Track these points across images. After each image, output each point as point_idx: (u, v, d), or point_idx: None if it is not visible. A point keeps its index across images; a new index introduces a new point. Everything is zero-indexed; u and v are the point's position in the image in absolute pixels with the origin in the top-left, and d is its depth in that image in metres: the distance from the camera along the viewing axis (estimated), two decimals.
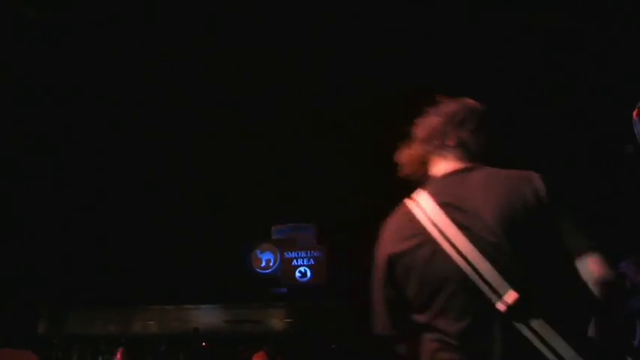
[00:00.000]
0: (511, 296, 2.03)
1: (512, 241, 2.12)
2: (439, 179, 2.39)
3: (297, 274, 15.35)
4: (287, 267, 15.52)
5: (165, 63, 11.30)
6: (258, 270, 15.68)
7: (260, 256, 15.73)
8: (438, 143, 2.34)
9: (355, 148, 12.59)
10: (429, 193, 2.33)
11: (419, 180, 2.38)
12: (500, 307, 2.07)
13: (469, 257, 2.20)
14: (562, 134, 11.43)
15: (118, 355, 3.69)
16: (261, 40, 10.89)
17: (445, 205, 2.28)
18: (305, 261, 15.39)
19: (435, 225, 2.31)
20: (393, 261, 2.31)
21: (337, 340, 13.85)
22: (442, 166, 2.39)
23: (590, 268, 2.05)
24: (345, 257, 14.03)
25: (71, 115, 11.96)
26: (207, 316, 15.20)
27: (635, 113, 2.32)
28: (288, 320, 15.89)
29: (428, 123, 2.41)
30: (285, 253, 15.59)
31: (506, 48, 10.67)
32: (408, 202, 2.37)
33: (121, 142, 12.98)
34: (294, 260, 15.47)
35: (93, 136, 12.60)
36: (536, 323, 2.02)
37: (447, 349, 2.22)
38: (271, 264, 15.65)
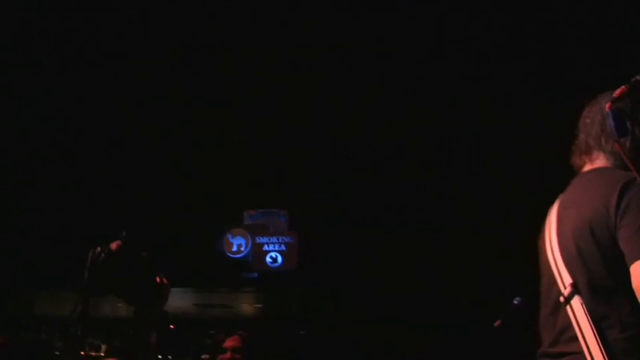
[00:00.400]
0: (567, 288, 2.33)
1: (580, 240, 2.38)
2: (572, 180, 2.71)
3: (268, 260, 15.36)
4: (258, 252, 15.54)
5: (144, 49, 11.27)
6: (229, 254, 15.67)
7: (231, 240, 15.73)
8: (580, 151, 2.68)
9: (328, 135, 12.59)
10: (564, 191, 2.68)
11: None
12: (561, 297, 2.34)
13: (553, 249, 2.50)
14: (534, 127, 11.46)
15: (114, 245, 3.62)
16: (245, 31, 10.88)
17: (561, 203, 2.62)
18: (276, 246, 15.40)
19: (549, 219, 2.63)
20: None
21: (306, 326, 13.90)
22: (584, 169, 2.68)
23: (634, 274, 2.21)
24: (316, 244, 14.07)
25: None
26: (176, 300, 15.19)
27: (607, 106, 2.34)
28: (258, 305, 15.91)
29: (579, 131, 2.70)
30: (257, 238, 15.61)
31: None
32: None
33: (93, 124, 12.93)
34: (266, 245, 15.48)
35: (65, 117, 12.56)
36: (579, 315, 2.29)
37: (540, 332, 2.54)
38: (242, 249, 15.65)
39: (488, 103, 11.23)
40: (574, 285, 2.31)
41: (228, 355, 5.74)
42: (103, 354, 14.83)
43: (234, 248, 15.71)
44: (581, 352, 2.27)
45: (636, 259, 2.22)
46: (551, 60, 10.44)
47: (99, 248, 3.48)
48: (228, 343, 5.83)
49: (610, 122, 2.35)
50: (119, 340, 14.69)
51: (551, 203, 2.71)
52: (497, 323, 8.78)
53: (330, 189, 13.27)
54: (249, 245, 15.61)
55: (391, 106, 11.66)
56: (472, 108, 11.33)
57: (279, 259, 15.27)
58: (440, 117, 11.69)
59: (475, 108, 11.30)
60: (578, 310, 2.28)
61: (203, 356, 13.29)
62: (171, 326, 14.75)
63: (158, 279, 3.72)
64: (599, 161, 2.63)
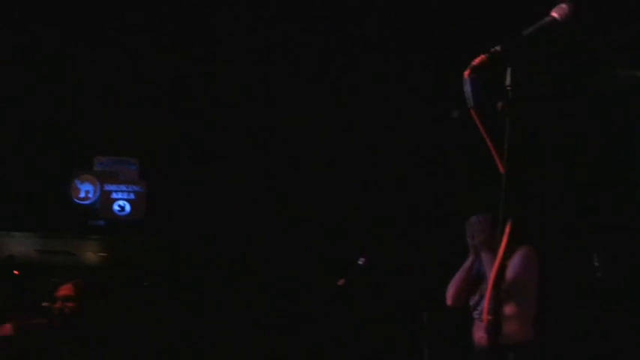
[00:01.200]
0: None
1: None
2: None
3: (116, 208, 15.12)
4: (106, 200, 15.27)
5: None
6: (76, 200, 15.35)
7: (79, 186, 15.39)
8: None
9: (183, 86, 12.44)
10: None
11: None
12: None
13: None
14: (380, 100, 11.57)
15: None
16: None
17: None
18: (125, 195, 15.17)
19: None
20: None
21: (151, 276, 13.78)
22: None
23: None
24: (166, 194, 13.93)
25: None
26: (19, 245, 14.81)
27: (466, 73, 2.41)
28: (103, 254, 15.66)
29: None
30: (106, 186, 15.33)
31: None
32: None
33: None
34: (114, 193, 15.23)
35: None
36: None
37: None
38: (90, 195, 15.35)
39: None
40: None
41: (59, 304, 5.67)
42: None
43: (82, 194, 15.39)
44: None
45: None
46: None
47: None
48: (60, 292, 5.74)
49: (467, 89, 2.41)
50: None
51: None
52: (340, 282, 8.90)
53: (183, 139, 13.14)
54: (98, 192, 15.32)
55: (243, 52, 11.58)
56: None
57: (127, 207, 15.07)
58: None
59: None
60: None
61: (43, 304, 12.97)
62: (16, 272, 14.46)
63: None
64: None
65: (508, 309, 6.49)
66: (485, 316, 2.55)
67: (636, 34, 9.08)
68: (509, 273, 6.46)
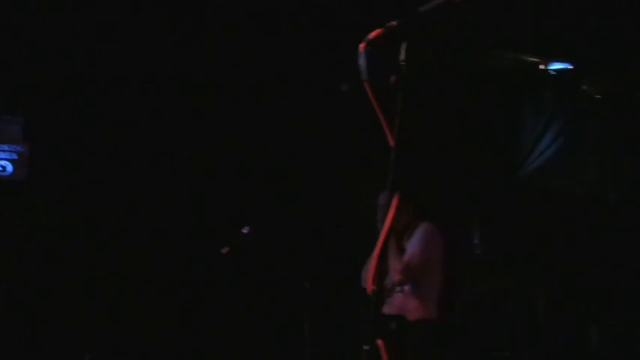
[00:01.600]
0: None
1: None
2: None
3: None
4: None
5: None
6: None
7: None
8: None
9: (71, 42, 12.18)
10: None
11: None
12: None
13: None
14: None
15: None
16: None
17: None
18: (7, 155, 14.79)
19: None
20: None
21: (30, 240, 13.53)
22: None
23: None
24: (50, 154, 13.66)
25: None
26: None
27: (361, 46, 2.47)
28: None
29: None
30: None
31: None
32: None
33: None
34: None
35: None
36: None
37: None
38: None
39: None
40: None
41: None
42: None
43: None
44: None
45: None
46: None
47: None
48: None
49: (362, 62, 2.46)
50: None
51: None
52: (224, 250, 8.92)
53: (69, 98, 12.87)
54: None
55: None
56: None
57: (9, 168, 14.73)
58: None
59: None
60: None
61: None
62: None
63: None
64: None
65: (409, 287, 6.64)
66: (369, 287, 2.60)
67: (526, 20, 9.31)
68: (409, 251, 6.60)
